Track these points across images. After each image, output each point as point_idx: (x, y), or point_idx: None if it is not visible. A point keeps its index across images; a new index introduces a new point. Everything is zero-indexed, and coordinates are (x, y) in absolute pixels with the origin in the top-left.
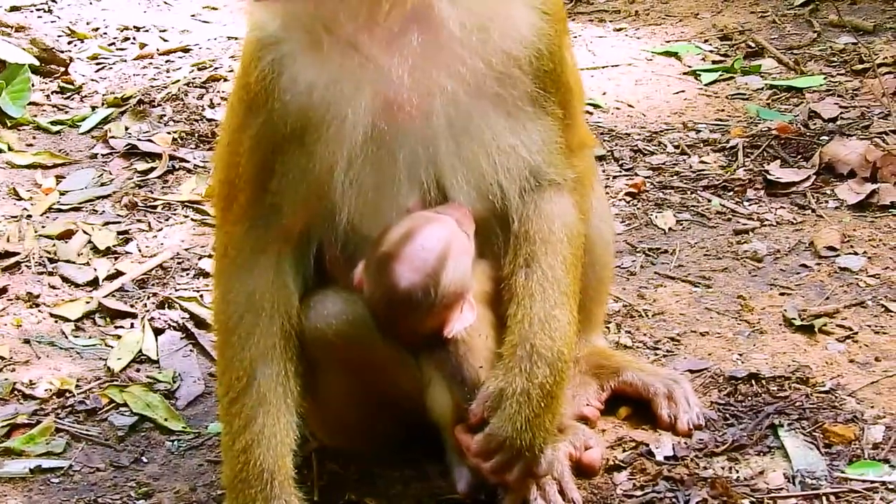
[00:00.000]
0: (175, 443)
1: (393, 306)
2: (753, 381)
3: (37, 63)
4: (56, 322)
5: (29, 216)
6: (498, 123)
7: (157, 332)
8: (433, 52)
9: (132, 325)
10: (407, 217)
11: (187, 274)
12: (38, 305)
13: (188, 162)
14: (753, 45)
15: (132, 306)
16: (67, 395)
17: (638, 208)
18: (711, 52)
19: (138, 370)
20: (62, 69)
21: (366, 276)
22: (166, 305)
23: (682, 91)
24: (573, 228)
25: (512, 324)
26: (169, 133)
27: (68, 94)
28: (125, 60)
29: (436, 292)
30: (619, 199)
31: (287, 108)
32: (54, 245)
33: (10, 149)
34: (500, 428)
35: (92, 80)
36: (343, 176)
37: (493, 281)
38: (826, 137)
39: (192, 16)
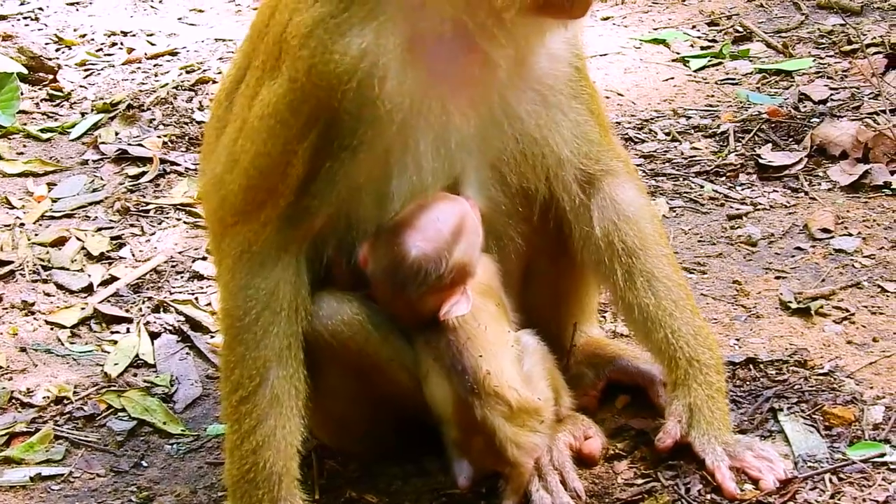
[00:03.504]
0: (174, 446)
1: (399, 276)
2: (751, 366)
3: (25, 71)
4: (52, 329)
5: (21, 224)
6: (556, 122)
7: (153, 336)
8: (511, 66)
9: (128, 330)
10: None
11: (181, 277)
12: (33, 313)
13: (179, 165)
14: (741, 29)
15: (127, 311)
16: (65, 401)
17: None
18: (699, 38)
19: (135, 375)
20: (51, 77)
21: (374, 249)
22: (161, 309)
23: (672, 78)
24: (653, 217)
25: (662, 345)
26: (159, 137)
27: (57, 101)
28: (113, 66)
29: (445, 265)
30: None
31: (360, 119)
32: (48, 252)
33: (0, 158)
34: (704, 436)
35: (81, 86)
36: (400, 179)
37: (495, 276)
38: (817, 120)
39: (179, 19)
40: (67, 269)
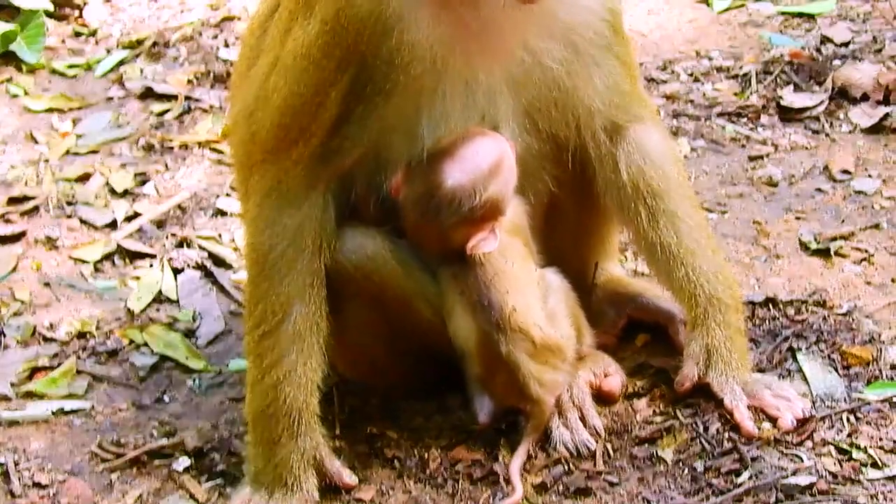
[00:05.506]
0: (196, 381)
1: (433, 204)
2: (771, 306)
3: (51, 7)
4: (75, 264)
5: (46, 160)
6: (589, 74)
7: (177, 271)
8: (535, 10)
9: (151, 266)
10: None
11: (205, 213)
12: (56, 248)
13: (203, 102)
14: None
15: (151, 247)
16: (88, 336)
17: None
18: None
19: (158, 310)
20: (76, 13)
21: (408, 177)
22: (185, 245)
23: (695, 19)
24: (677, 161)
25: (683, 282)
26: (184, 74)
27: (83, 37)
28: (139, 3)
29: (479, 198)
30: None
31: (391, 64)
32: (72, 188)
33: (26, 93)
34: (721, 376)
35: (106, 23)
36: (429, 122)
37: (524, 216)
38: (838, 62)
39: None
40: (91, 205)
